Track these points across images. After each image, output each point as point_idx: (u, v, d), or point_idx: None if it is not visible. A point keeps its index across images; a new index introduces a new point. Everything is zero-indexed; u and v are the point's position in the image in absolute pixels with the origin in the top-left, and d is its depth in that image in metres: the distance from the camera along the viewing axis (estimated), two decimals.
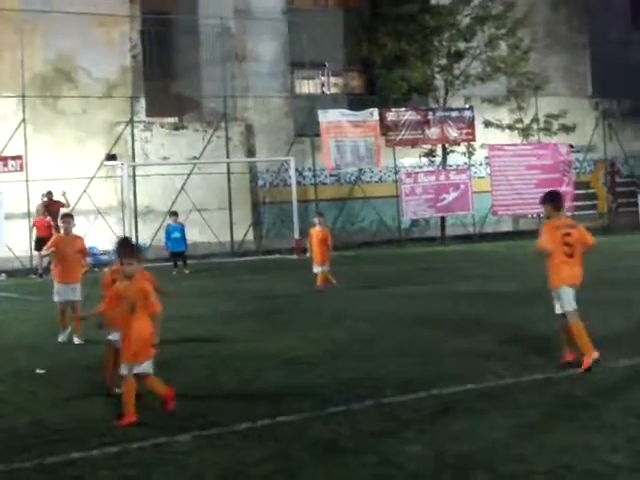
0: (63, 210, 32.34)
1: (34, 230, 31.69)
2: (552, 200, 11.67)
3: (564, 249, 11.22)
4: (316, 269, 22.42)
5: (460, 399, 9.76)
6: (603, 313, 15.28)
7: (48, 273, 21.81)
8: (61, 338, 15.43)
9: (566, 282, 11.32)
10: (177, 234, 30.76)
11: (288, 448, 8.21)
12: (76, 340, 15.22)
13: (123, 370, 9.51)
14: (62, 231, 16.95)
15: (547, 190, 12.63)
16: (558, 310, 11.49)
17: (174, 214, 31.65)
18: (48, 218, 31.26)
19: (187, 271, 29.97)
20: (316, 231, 22.78)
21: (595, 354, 10.91)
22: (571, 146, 43.69)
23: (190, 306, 19.63)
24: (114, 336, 10.60)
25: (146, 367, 9.53)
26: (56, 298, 15.85)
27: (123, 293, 9.66)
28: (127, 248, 10.14)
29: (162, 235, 35.38)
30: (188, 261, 31.00)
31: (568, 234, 11.26)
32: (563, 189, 42.08)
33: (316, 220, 23.28)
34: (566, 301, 11.29)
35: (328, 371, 11.65)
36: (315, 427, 8.91)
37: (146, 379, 9.59)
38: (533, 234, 42.25)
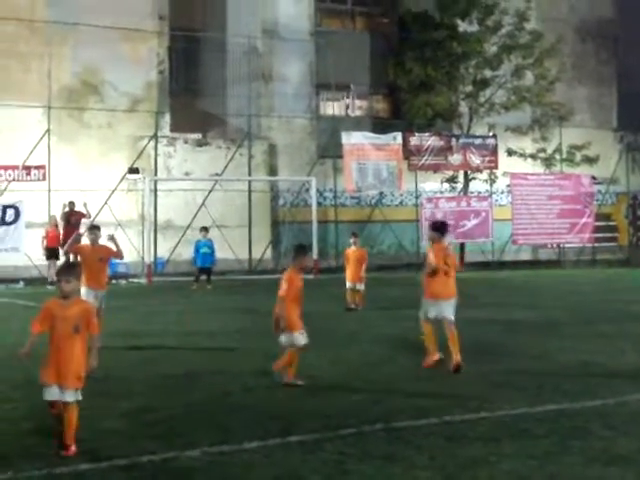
0: (84, 221, 32.56)
1: (44, 240, 31.91)
2: (439, 229, 14.27)
3: (444, 267, 13.69)
4: (349, 285, 22.80)
5: (473, 427, 9.72)
6: (620, 346, 15.21)
7: None
8: None
9: (434, 296, 13.79)
10: (206, 249, 30.72)
11: (298, 468, 8.19)
12: None
13: (52, 395, 8.90)
14: (89, 242, 17.01)
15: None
16: (422, 316, 13.89)
17: (205, 229, 31.61)
18: (57, 228, 31.89)
19: (209, 287, 29.99)
20: (352, 251, 23.42)
21: (437, 356, 13.50)
22: (594, 178, 43.58)
23: (206, 322, 19.63)
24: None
25: (78, 394, 8.94)
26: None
27: (63, 313, 9.01)
28: (67, 266, 9.91)
29: (181, 250, 35.52)
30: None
31: (447, 256, 13.92)
32: (584, 220, 42.11)
33: (352, 240, 23.86)
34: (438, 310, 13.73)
35: (341, 392, 11.63)
36: (326, 448, 8.88)
37: (71, 408, 8.89)
38: (552, 264, 42.29)
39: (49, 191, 33.78)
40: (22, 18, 34.97)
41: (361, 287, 22.95)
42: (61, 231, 32.20)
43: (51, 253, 31.60)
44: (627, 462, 8.27)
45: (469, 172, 42.03)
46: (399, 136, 39.93)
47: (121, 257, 16.97)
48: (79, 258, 16.69)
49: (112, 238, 17.16)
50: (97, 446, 8.97)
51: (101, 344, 15.20)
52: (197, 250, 30.91)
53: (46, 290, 29.38)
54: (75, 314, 9.01)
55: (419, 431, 9.54)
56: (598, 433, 9.40)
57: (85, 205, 33.02)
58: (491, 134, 42.29)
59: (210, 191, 37.29)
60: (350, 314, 21.77)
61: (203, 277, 30.63)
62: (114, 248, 16.72)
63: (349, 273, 23.10)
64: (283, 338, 12.22)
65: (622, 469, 8.05)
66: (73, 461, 8.43)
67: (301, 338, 12.23)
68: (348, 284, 23.06)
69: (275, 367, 12.37)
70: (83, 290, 16.15)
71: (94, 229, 17.02)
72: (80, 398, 8.93)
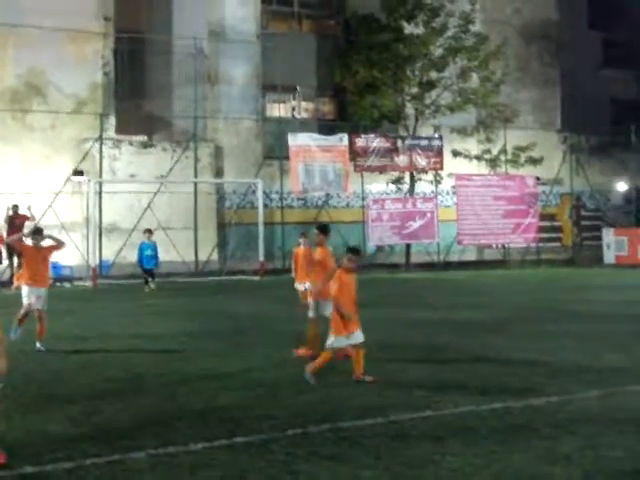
0: (28, 224, 32.24)
1: None
2: (325, 230, 15.53)
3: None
4: (299, 286, 22.73)
5: (418, 426, 9.75)
6: (563, 345, 15.36)
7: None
8: (13, 335, 15.70)
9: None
10: (149, 251, 30.77)
11: (244, 469, 8.17)
12: (38, 345, 15.78)
13: None
14: (31, 244, 17.07)
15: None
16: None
17: (149, 231, 31.58)
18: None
19: (153, 286, 30.06)
20: (302, 250, 23.15)
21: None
22: (538, 179, 44.01)
23: (152, 324, 19.53)
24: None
25: None
26: (25, 301, 16.18)
27: None
28: None
29: (126, 253, 35.30)
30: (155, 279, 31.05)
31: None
32: (528, 221, 42.50)
33: (301, 240, 23.70)
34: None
35: (287, 394, 11.62)
36: (272, 449, 8.86)
37: None
38: (497, 264, 42.61)
39: None
40: None
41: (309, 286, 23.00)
42: (4, 234, 31.87)
43: None
44: (571, 461, 8.34)
45: (415, 173, 42.22)
46: (345, 137, 40.04)
47: (63, 245, 16.98)
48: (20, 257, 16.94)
49: (29, 208, 17.17)
50: (41, 450, 8.88)
51: (45, 347, 15.35)
52: (141, 252, 30.90)
53: None
54: None
55: (365, 431, 9.56)
56: (543, 431, 9.46)
57: (29, 208, 32.75)
58: (437, 135, 42.56)
59: (156, 193, 37.14)
60: (297, 316, 21.71)
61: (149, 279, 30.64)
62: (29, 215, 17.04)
63: (299, 274, 23.11)
64: (332, 338, 12.36)
65: (567, 468, 8.12)
66: (17, 464, 8.34)
67: (359, 336, 12.54)
68: (298, 285, 23.09)
69: (310, 369, 12.39)
70: (25, 289, 16.22)
71: (36, 234, 17.03)
72: None
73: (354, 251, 13.38)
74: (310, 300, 14.75)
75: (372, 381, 12.19)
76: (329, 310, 13.37)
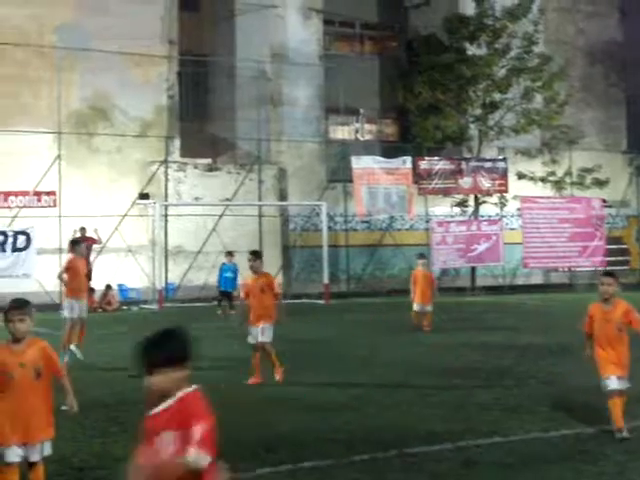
0: (95, 246, 32.66)
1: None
2: (260, 256, 15.69)
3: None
4: (417, 307, 23.45)
5: (486, 452, 9.65)
6: (633, 371, 15.11)
7: None
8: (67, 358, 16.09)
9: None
10: (230, 274, 30.36)
11: None
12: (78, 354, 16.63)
13: (13, 457, 7.64)
14: (76, 254, 17.50)
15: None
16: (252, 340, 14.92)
17: (229, 254, 31.24)
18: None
19: (233, 312, 29.31)
20: (421, 272, 23.91)
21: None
22: (604, 201, 43.47)
23: (216, 348, 19.57)
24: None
25: (48, 448, 7.90)
26: (67, 314, 16.44)
27: (20, 358, 7.77)
28: (19, 303, 8.03)
29: (191, 275, 35.47)
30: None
31: None
32: (595, 244, 41.97)
33: (419, 262, 24.45)
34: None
35: (353, 417, 11.55)
36: (338, 474, 8.81)
37: (38, 468, 7.87)
38: (564, 288, 42.09)
39: (60, 217, 33.79)
40: (31, 44, 35.11)
41: (429, 309, 23.52)
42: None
43: None
44: None
45: (479, 196, 41.96)
46: (409, 160, 39.92)
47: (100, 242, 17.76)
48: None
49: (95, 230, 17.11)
50: (109, 474, 8.91)
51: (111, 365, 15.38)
52: (221, 274, 30.69)
53: (58, 316, 29.38)
54: (33, 357, 7.82)
55: (432, 457, 9.47)
56: (613, 458, 9.31)
57: (96, 231, 33.08)
58: (501, 157, 42.27)
59: (220, 216, 37.31)
60: (360, 339, 21.65)
61: (225, 303, 30.03)
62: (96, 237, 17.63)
63: (418, 295, 23.45)
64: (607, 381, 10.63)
65: None
66: None
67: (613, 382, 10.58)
68: (416, 306, 23.49)
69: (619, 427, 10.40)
70: (67, 302, 16.56)
71: (78, 243, 17.71)
72: (50, 452, 7.95)
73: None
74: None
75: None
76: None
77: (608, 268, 43.34)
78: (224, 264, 30.89)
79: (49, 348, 8.02)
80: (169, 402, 4.97)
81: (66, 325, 16.79)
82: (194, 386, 5.03)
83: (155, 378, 4.92)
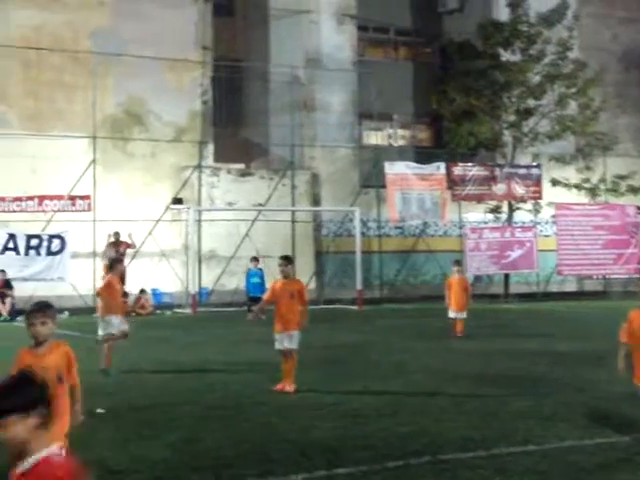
0: (129, 251, 32.82)
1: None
2: (292, 261, 15.82)
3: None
4: (452, 314, 23.38)
5: (520, 460, 9.60)
6: None
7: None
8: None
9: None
10: (256, 279, 30.53)
11: None
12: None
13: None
14: (115, 273, 17.47)
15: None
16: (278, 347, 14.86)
17: (255, 259, 31.47)
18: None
19: (263, 317, 29.49)
20: (456, 279, 23.84)
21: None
22: (639, 208, 43.18)
23: (250, 352, 19.61)
24: None
25: None
26: (103, 331, 16.46)
27: (42, 361, 7.73)
28: (41, 306, 8.14)
29: (224, 280, 35.56)
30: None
31: None
32: (630, 251, 41.68)
33: (455, 269, 24.42)
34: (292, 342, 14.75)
35: (387, 424, 11.53)
36: None
37: None
38: (598, 295, 41.86)
39: (94, 221, 33.99)
40: (67, 49, 35.39)
41: (463, 315, 23.43)
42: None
43: None
44: None
45: (513, 202, 41.80)
46: (442, 166, 39.83)
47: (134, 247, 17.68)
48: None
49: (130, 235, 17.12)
50: (145, 476, 8.95)
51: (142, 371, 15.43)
52: (248, 279, 30.85)
53: (92, 319, 29.55)
54: (55, 361, 7.89)
55: (466, 464, 9.44)
56: None
57: (130, 235, 33.25)
58: (535, 164, 42.09)
59: (254, 221, 37.38)
60: (394, 345, 21.63)
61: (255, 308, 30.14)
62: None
63: (454, 302, 23.45)
64: None
65: None
66: None
67: None
68: (451, 312, 23.50)
69: None
70: (116, 319, 16.45)
71: (119, 262, 17.74)
72: None
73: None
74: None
75: None
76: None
77: None
78: (250, 270, 31.13)
79: (71, 353, 8.09)
80: (27, 463, 4.24)
81: (104, 345, 16.52)
82: (56, 446, 4.36)
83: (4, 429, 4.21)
